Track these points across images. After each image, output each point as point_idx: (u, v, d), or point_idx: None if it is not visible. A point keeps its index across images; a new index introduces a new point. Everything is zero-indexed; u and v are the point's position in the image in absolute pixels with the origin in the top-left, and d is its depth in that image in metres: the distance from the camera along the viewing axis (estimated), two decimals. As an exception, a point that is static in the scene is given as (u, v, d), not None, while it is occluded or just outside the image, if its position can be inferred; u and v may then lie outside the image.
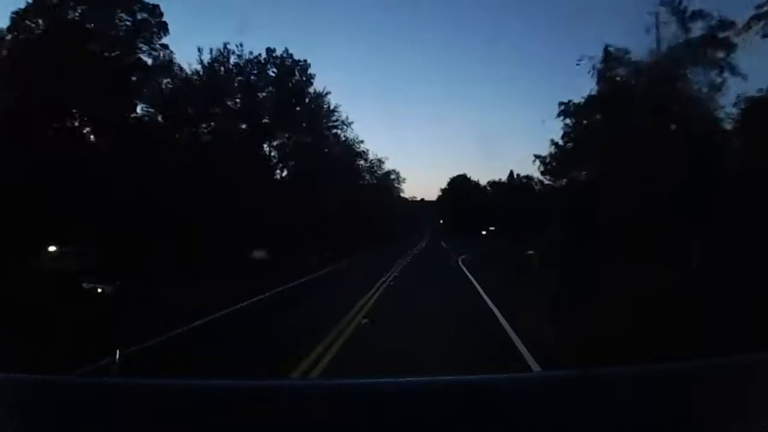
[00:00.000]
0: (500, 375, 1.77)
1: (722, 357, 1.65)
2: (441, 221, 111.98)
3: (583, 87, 30.08)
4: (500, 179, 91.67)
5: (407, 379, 1.75)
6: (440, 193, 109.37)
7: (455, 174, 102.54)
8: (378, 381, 1.75)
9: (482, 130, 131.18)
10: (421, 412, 1.34)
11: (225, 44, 29.99)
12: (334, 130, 38.78)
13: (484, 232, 73.53)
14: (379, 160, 61.99)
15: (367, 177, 59.36)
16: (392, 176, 75.16)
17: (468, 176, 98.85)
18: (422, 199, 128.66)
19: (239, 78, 29.98)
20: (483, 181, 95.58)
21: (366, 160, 56.67)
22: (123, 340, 3.47)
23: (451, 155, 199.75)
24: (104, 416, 1.36)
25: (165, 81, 25.47)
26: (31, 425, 1.30)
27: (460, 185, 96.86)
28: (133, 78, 23.16)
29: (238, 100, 29.97)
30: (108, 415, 1.36)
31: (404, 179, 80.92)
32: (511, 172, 79.52)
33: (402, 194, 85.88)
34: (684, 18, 18.60)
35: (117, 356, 2.28)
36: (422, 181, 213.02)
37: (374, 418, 1.31)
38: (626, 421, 1.29)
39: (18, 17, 20.94)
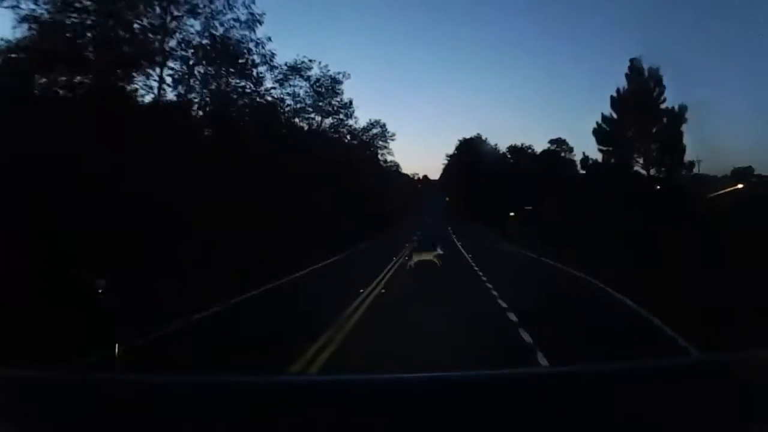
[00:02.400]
0: (502, 372, 1.65)
1: (723, 353, 1.61)
2: (447, 199, 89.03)
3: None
4: (523, 144, 68.30)
5: (410, 375, 1.65)
6: (446, 161, 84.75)
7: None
8: (377, 377, 1.66)
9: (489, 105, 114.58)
10: (425, 408, 1.31)
11: None
12: None
13: (512, 214, 51.87)
14: (332, 78, 33.29)
15: (318, 119, 34.36)
16: (374, 130, 48.60)
17: (484, 138, 73.81)
18: (425, 176, 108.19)
19: None
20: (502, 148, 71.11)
21: (314, 82, 31.48)
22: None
23: (457, 130, 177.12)
24: (101, 414, 1.31)
25: None
26: (28, 423, 1.27)
27: (472, 150, 72.29)
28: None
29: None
30: (105, 412, 1.32)
31: (393, 135, 52.51)
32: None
33: (393, 159, 61.11)
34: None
35: (116, 351, 2.24)
36: (426, 158, 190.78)
37: (376, 414, 1.28)
38: (625, 419, 1.27)
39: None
